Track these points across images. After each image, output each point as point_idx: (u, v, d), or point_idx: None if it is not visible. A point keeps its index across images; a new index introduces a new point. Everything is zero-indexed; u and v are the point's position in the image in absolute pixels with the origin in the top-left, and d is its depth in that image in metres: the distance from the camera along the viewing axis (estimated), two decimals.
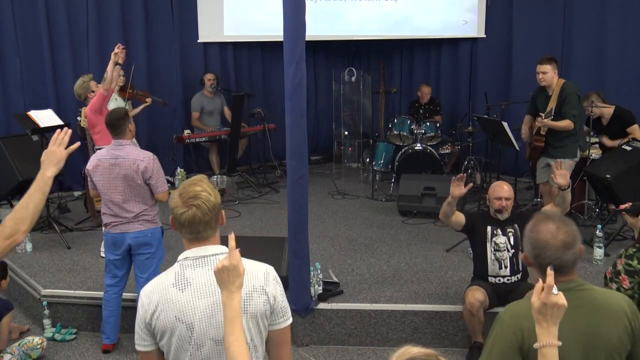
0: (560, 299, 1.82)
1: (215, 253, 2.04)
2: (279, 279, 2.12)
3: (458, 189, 4.03)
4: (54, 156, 2.26)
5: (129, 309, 4.26)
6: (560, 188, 3.92)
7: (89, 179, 4.20)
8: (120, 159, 4.03)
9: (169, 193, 4.08)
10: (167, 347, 2.03)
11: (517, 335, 1.99)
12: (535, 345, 1.85)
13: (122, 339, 4.41)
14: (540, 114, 5.39)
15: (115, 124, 4.07)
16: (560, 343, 1.84)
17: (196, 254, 2.04)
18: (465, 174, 4.13)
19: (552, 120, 5.33)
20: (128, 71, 6.70)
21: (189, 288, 1.99)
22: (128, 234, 4.10)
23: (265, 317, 2.04)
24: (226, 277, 1.85)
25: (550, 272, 1.85)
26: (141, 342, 2.05)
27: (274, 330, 2.09)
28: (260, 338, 2.05)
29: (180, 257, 2.07)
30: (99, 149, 5.27)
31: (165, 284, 2.02)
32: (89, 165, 4.14)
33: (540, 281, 1.87)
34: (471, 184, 4.18)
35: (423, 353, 1.43)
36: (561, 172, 3.86)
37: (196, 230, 2.01)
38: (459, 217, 4.19)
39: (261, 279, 2.05)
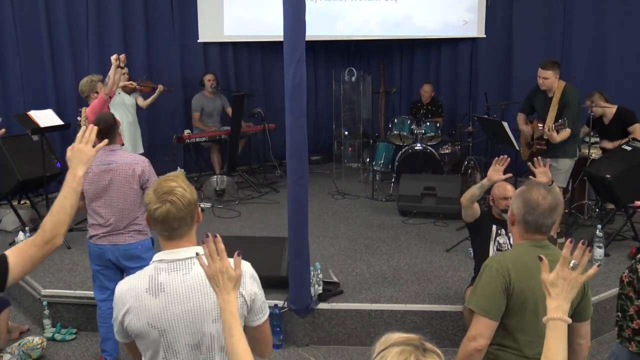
0: (575, 273, 1.83)
1: (191, 256, 1.98)
2: (255, 276, 2.05)
3: (497, 173, 3.79)
4: (83, 154, 2.17)
5: None
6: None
7: None
8: (114, 164, 3.80)
9: None
10: (142, 349, 2.01)
11: (505, 278, 2.33)
12: (544, 319, 1.84)
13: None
14: (548, 124, 5.28)
15: (106, 131, 3.71)
16: (570, 321, 1.84)
17: (171, 257, 1.99)
18: (508, 157, 3.79)
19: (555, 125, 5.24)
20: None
21: (162, 294, 1.94)
22: (117, 246, 3.85)
23: (241, 318, 1.97)
24: (220, 280, 1.80)
25: (568, 245, 1.84)
26: (119, 335, 2.06)
27: (254, 327, 2.03)
28: None
29: (155, 258, 2.02)
30: None
31: (138, 289, 1.96)
32: None
33: (545, 259, 1.88)
34: (510, 175, 3.85)
35: (405, 338, 1.40)
36: (541, 170, 3.54)
37: (170, 227, 1.96)
38: (477, 208, 4.11)
39: None
